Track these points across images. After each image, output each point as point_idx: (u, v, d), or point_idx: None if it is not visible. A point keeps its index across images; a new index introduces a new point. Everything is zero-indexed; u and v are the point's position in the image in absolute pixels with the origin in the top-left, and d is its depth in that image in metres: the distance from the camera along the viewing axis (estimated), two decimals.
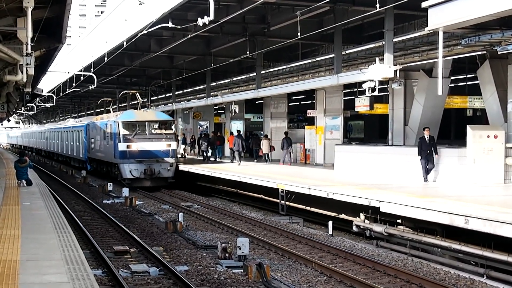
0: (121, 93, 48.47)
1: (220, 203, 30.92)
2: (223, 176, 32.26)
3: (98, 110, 77.15)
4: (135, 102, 59.29)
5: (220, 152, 45.47)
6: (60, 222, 15.52)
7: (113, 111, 49.40)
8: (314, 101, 39.24)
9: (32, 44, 18.77)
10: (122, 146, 36.74)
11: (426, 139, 24.19)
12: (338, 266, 16.80)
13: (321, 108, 36.61)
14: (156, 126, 37.69)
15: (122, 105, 66.68)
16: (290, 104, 48.22)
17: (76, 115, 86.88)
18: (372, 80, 23.95)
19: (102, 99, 54.46)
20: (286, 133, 39.12)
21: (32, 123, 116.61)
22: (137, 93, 43.37)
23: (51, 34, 22.67)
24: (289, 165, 36.95)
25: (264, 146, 39.95)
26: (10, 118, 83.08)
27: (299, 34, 25.56)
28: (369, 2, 23.04)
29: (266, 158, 40.07)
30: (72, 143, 54.77)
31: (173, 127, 38.97)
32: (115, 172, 38.57)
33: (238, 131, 41.88)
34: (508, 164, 23.05)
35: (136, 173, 36.47)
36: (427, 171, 24.22)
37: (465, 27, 20.65)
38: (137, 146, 36.61)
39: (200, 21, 22.22)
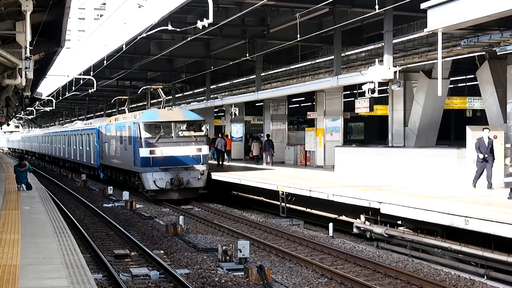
0: (141, 88, 40.54)
1: (221, 206, 30.72)
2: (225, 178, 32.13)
3: (98, 113, 77.08)
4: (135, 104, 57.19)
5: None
6: (60, 226, 15.51)
7: (129, 111, 43.67)
8: (314, 103, 39.28)
9: (31, 48, 18.75)
10: (144, 152, 31.23)
11: (485, 140, 21.29)
12: (338, 268, 16.79)
13: (321, 110, 36.66)
14: (183, 127, 32.47)
15: (121, 108, 66.44)
16: (290, 106, 48.31)
17: (76, 118, 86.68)
18: (372, 82, 23.98)
19: (116, 97, 48.36)
20: (268, 135, 40.76)
21: (32, 127, 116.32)
22: (160, 89, 37.18)
23: (50, 38, 22.66)
24: (271, 165, 38.09)
25: (255, 148, 41.52)
26: (9, 122, 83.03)
27: (298, 36, 25.58)
28: (368, 3, 23.04)
29: (257, 160, 41.13)
30: (81, 148, 49.54)
31: (203, 128, 32.96)
32: (136, 182, 33.43)
33: (222, 133, 43.24)
34: (507, 165, 23.01)
35: (161, 183, 31.03)
36: (478, 176, 21.45)
37: (464, 28, 20.66)
38: (161, 151, 31.05)
39: (199, 24, 22.26)
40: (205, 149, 31.95)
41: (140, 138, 31.43)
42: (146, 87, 39.64)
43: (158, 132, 31.63)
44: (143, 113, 34.25)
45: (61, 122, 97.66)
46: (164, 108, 34.58)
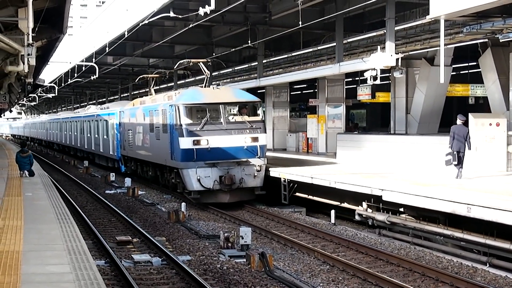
0: (178, 63, 32.45)
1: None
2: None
3: (100, 100, 76.97)
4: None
5: None
6: (63, 213, 15.54)
7: (156, 93, 35.11)
8: (316, 90, 39.26)
9: (33, 35, 18.76)
10: (185, 142, 25.04)
11: None
12: (340, 255, 16.82)
13: (323, 97, 36.62)
14: (235, 110, 26.42)
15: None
16: (292, 93, 48.24)
17: (78, 105, 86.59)
18: (374, 69, 23.96)
19: (141, 76, 39.53)
20: None
21: (34, 114, 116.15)
22: (201, 63, 28.98)
23: (52, 25, 22.66)
24: None
25: None
26: (12, 109, 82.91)
27: (300, 23, 25.51)
28: None
29: None
30: (96, 135, 44.02)
31: (259, 111, 26.70)
32: (173, 180, 27.52)
33: None
34: (510, 152, 23.03)
35: (207, 182, 24.96)
36: None
37: (467, 15, 20.61)
38: (208, 141, 24.97)
39: (201, 11, 22.26)
40: (262, 139, 25.88)
41: (180, 125, 25.30)
42: (183, 60, 31.67)
43: (203, 117, 25.47)
44: (180, 93, 27.82)
45: (63, 108, 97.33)
46: (208, 86, 27.72)
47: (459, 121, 20.87)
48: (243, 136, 25.39)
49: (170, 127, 26.30)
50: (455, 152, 20.65)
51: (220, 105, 25.48)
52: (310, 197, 26.41)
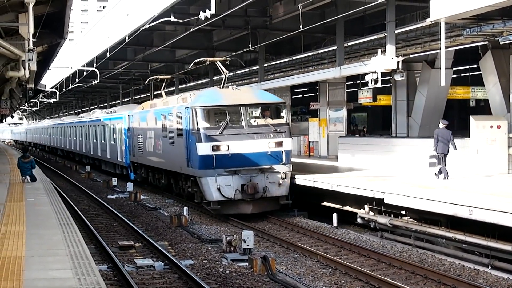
0: (194, 62, 29.34)
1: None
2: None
3: (101, 105, 77.03)
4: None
5: None
6: (65, 218, 15.56)
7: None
8: (317, 94, 39.30)
9: (34, 40, 18.82)
10: (204, 148, 22.92)
11: None
12: (343, 258, 16.83)
13: (324, 101, 36.64)
14: (257, 112, 24.07)
15: (125, 99, 66.40)
16: (293, 97, 48.25)
17: (80, 110, 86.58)
18: (375, 72, 23.98)
19: (151, 77, 36.49)
20: None
21: (35, 119, 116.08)
22: (218, 62, 27.26)
23: (53, 30, 22.71)
24: None
25: None
26: (13, 114, 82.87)
27: (301, 26, 25.54)
28: None
29: None
30: (103, 141, 42.16)
31: (283, 113, 24.49)
32: (189, 189, 25.27)
33: None
34: (511, 154, 23.04)
35: (228, 191, 22.83)
36: None
37: (467, 17, 20.64)
38: (228, 147, 22.88)
39: (202, 15, 22.25)
40: (287, 143, 23.67)
41: (197, 129, 23.14)
42: (200, 59, 28.41)
43: (222, 120, 23.34)
44: (196, 95, 25.29)
45: (65, 113, 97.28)
46: (227, 87, 25.60)
47: (441, 125, 21.59)
48: (267, 140, 23.27)
49: (186, 132, 24.18)
50: (440, 155, 21.43)
51: (241, 107, 23.39)
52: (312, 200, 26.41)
